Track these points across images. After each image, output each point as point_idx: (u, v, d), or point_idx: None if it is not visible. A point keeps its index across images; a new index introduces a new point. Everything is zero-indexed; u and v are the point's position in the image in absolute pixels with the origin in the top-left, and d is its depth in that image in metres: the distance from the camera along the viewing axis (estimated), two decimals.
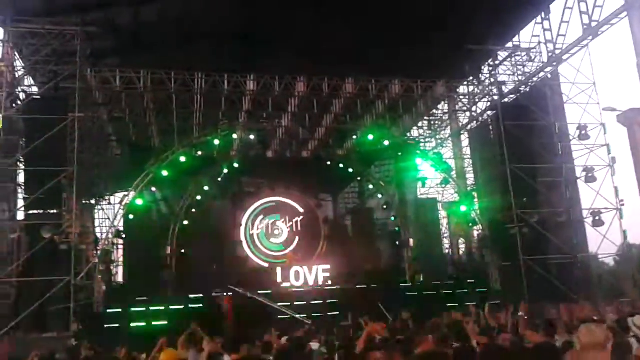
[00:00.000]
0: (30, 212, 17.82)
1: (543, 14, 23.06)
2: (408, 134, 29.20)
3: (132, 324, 17.96)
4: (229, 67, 22.18)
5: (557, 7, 22.36)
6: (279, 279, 22.55)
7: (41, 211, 17.74)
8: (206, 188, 24.15)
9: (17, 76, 19.94)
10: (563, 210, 21.41)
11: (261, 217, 26.13)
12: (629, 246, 21.29)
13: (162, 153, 22.04)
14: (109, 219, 24.60)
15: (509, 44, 24.28)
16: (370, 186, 26.80)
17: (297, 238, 26.16)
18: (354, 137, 25.54)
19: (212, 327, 11.30)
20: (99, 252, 20.60)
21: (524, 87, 23.77)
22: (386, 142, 24.36)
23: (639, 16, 19.72)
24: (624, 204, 20.50)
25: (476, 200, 24.59)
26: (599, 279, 21.00)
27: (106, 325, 17.68)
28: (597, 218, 20.65)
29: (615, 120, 20.45)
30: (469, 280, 21.85)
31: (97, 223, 25.28)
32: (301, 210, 26.50)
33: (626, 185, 20.90)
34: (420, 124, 29.36)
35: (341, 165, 25.56)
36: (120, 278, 23.18)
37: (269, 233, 26.04)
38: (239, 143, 24.62)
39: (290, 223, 26.22)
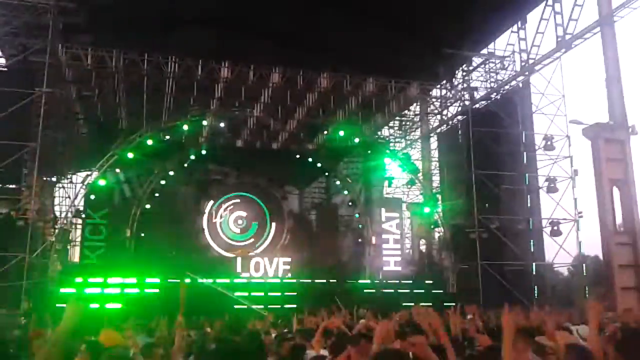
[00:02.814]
0: None
1: (519, 23, 23.40)
2: (379, 133, 29.35)
3: (85, 305, 17.71)
4: (203, 53, 21.95)
5: (534, 17, 22.74)
6: (238, 269, 22.50)
7: None
8: (172, 173, 23.90)
9: None
10: (523, 218, 21.80)
11: (225, 205, 25.96)
12: (584, 257, 21.80)
13: (129, 135, 21.75)
14: (69, 197, 24.22)
15: (484, 51, 24.58)
16: (337, 182, 26.87)
17: (260, 229, 26.07)
18: (325, 132, 25.54)
19: (167, 313, 11.27)
20: (56, 231, 20.26)
21: (495, 94, 24.12)
22: (356, 140, 24.46)
23: (611, 33, 20.19)
24: (582, 215, 21.00)
25: (440, 202, 24.87)
26: (552, 288, 21.46)
27: (58, 305, 17.41)
28: (555, 228, 21.14)
29: (581, 133, 20.90)
30: (427, 281, 22.10)
31: (57, 201, 24.88)
32: (267, 201, 26.41)
33: (585, 198, 21.42)
34: (391, 124, 29.55)
35: (310, 160, 25.55)
36: (76, 258, 22.81)
37: (231, 222, 25.89)
38: (208, 130, 24.38)
39: (254, 213, 26.11)
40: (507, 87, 23.81)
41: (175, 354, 7.01)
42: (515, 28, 23.50)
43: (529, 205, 21.90)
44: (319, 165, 26.01)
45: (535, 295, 20.13)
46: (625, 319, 10.73)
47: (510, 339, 3.48)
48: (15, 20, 18.39)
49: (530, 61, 22.63)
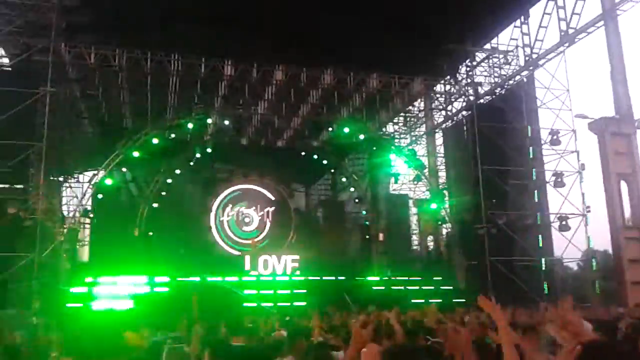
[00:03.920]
0: None
1: (522, 17, 23.33)
2: (383, 129, 29.31)
3: (94, 304, 17.69)
4: (206, 51, 21.87)
5: (537, 12, 22.68)
6: (247, 267, 22.45)
7: (7, 186, 17.32)
8: (178, 172, 23.85)
9: None
10: (531, 213, 21.74)
11: (232, 204, 25.93)
12: (593, 252, 21.75)
13: (134, 133, 21.69)
14: (76, 197, 24.15)
15: (487, 46, 24.52)
16: (344, 179, 26.84)
17: (267, 227, 26.05)
18: (330, 129, 25.47)
19: (177, 311, 11.21)
20: (65, 231, 20.20)
21: (499, 89, 24.05)
22: (361, 136, 24.38)
23: (614, 26, 20.15)
24: (590, 210, 20.96)
25: (447, 198, 24.82)
26: (562, 283, 21.42)
27: (68, 305, 17.37)
28: (563, 223, 21.06)
29: (587, 128, 20.86)
30: (435, 278, 22.05)
31: (64, 201, 24.80)
32: (273, 199, 26.39)
33: (593, 192, 21.37)
34: (396, 120, 29.50)
35: (315, 157, 25.52)
36: (85, 258, 22.77)
37: (239, 220, 25.86)
38: (213, 128, 24.34)
39: (261, 212, 26.09)
40: (511, 82, 23.76)
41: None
42: (518, 23, 23.43)
43: (536, 200, 21.83)
44: (324, 162, 25.99)
45: (545, 290, 20.09)
46: (635, 314, 10.69)
47: (506, 335, 3.33)
48: (19, 20, 18.27)
49: (534, 56, 22.57)
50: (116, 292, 18.35)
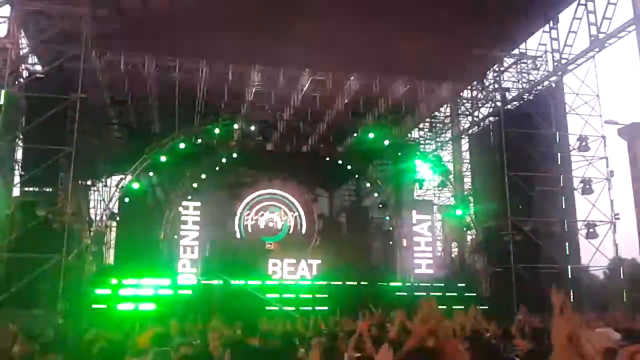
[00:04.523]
0: (26, 189, 17.89)
1: (551, 22, 22.99)
2: (409, 135, 29.20)
3: (119, 306, 18.05)
4: (233, 57, 22.13)
5: (566, 16, 22.35)
6: (269, 271, 22.61)
7: (36, 189, 17.81)
8: (203, 176, 24.18)
9: (21, 54, 19.98)
10: (557, 220, 21.40)
11: (256, 208, 26.16)
12: (621, 260, 21.29)
13: (161, 139, 22.11)
14: (104, 200, 24.66)
15: (515, 51, 24.23)
16: (368, 185, 26.81)
17: (291, 231, 26.19)
18: (355, 134, 25.50)
19: (200, 314, 11.44)
20: (92, 233, 20.66)
21: (527, 94, 23.76)
22: (386, 142, 24.36)
23: None
24: (619, 217, 20.54)
25: (472, 204, 24.61)
26: (588, 291, 21.01)
27: (94, 306, 17.75)
28: (591, 230, 20.68)
29: (616, 134, 20.47)
30: (459, 284, 21.85)
31: (92, 204, 25.34)
32: (297, 204, 26.53)
33: (622, 199, 20.95)
34: (421, 126, 29.37)
35: (340, 162, 25.58)
36: (111, 260, 23.24)
37: (263, 224, 26.05)
38: (239, 133, 24.63)
39: (285, 216, 26.26)
40: (539, 87, 23.42)
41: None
42: (547, 28, 23.11)
43: (563, 207, 21.49)
44: (348, 167, 26.04)
45: (572, 299, 19.73)
46: None
47: (563, 345, 3.14)
48: (51, 29, 18.75)
49: (563, 61, 22.21)
50: (140, 294, 18.68)
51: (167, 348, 6.93)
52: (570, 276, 20.39)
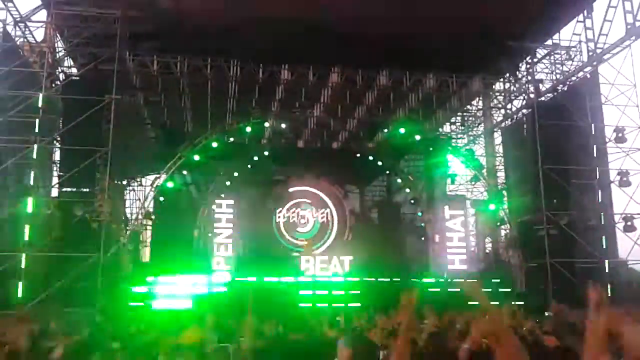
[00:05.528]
0: (64, 189, 18.35)
1: (585, 12, 22.51)
2: (440, 129, 28.96)
3: (154, 303, 18.40)
4: (264, 56, 22.26)
5: (600, 5, 21.86)
6: (302, 268, 22.73)
7: (74, 189, 18.25)
8: (236, 174, 24.43)
9: (57, 57, 20.48)
10: (594, 213, 21.01)
11: (288, 205, 26.30)
12: None
13: (194, 138, 22.43)
14: (139, 199, 25.13)
15: (548, 42, 23.80)
16: (399, 180, 26.69)
17: (322, 228, 26.25)
18: (385, 130, 25.40)
19: (235, 311, 11.59)
20: (128, 232, 21.09)
21: (561, 86, 23.33)
22: (417, 137, 24.18)
23: None
24: None
25: (505, 199, 24.30)
26: (627, 286, 20.56)
27: (131, 304, 18.12)
28: (629, 223, 20.26)
29: None
30: (493, 280, 21.63)
31: (127, 203, 25.86)
32: (328, 200, 26.56)
33: None
34: (453, 120, 29.10)
35: (370, 158, 25.51)
36: (147, 258, 23.67)
37: (295, 222, 26.19)
38: (270, 131, 24.80)
39: (317, 213, 26.32)
40: (574, 78, 22.97)
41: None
42: (581, 17, 22.63)
43: (599, 200, 21.08)
44: (379, 163, 25.96)
45: (609, 293, 19.34)
46: None
47: (599, 341, 2.96)
48: (86, 31, 19.16)
49: (598, 50, 21.73)
50: (176, 292, 19.00)
51: (226, 344, 7.08)
52: (607, 270, 19.97)
